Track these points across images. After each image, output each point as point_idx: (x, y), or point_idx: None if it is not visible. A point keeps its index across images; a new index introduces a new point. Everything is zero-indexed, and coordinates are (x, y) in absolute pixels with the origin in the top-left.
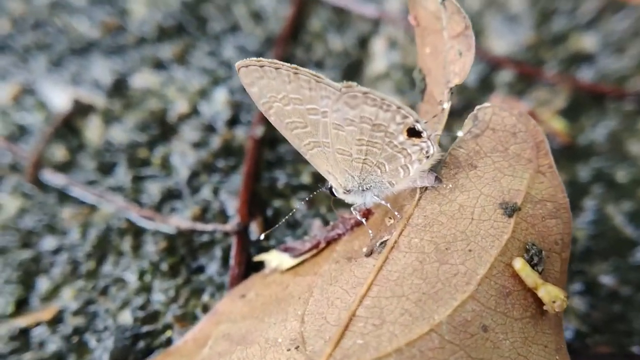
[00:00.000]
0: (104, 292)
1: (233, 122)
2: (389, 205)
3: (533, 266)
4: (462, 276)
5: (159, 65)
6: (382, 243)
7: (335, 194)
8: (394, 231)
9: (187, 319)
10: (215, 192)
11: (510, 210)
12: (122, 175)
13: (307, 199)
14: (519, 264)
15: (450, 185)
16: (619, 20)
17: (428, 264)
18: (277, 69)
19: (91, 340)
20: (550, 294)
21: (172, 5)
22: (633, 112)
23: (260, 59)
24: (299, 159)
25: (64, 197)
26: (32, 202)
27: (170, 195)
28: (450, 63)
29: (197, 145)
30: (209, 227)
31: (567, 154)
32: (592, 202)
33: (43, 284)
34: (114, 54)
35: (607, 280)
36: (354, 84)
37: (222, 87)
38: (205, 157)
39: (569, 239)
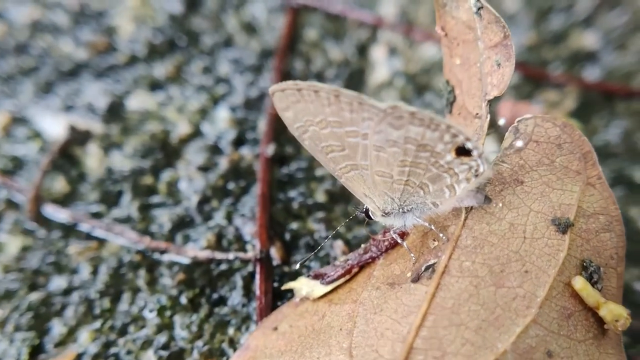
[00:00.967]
0: (123, 332)
1: (239, 141)
2: (432, 227)
3: (593, 284)
4: (522, 299)
5: (154, 84)
6: (428, 267)
7: (372, 217)
8: (440, 254)
9: (214, 356)
10: (229, 216)
11: (564, 226)
12: (128, 204)
13: (342, 224)
14: (580, 284)
15: (499, 204)
16: (617, 15)
17: (484, 288)
18: (315, 92)
19: None
20: (612, 312)
21: (160, 20)
22: None
23: (297, 82)
24: (311, 177)
25: (68, 232)
26: (35, 240)
27: (182, 224)
28: (487, 75)
29: (204, 168)
30: (230, 255)
31: None
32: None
33: (57, 328)
34: (105, 75)
35: None
36: (400, 103)
37: (222, 104)
38: (214, 180)
39: (624, 252)
